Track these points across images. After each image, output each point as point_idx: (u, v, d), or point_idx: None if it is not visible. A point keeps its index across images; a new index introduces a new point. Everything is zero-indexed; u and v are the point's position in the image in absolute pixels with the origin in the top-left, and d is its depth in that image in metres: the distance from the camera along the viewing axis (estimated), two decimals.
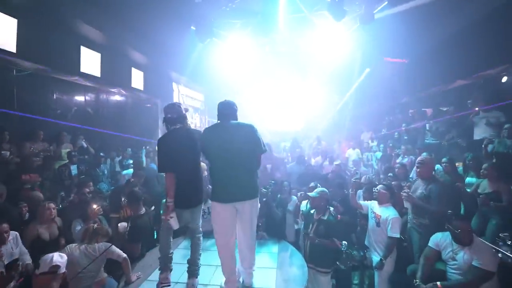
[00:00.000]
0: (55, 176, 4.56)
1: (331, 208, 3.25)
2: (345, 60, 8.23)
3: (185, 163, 2.49)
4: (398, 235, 3.08)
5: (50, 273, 1.78)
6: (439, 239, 2.83)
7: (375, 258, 3.20)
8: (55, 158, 4.83)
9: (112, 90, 7.00)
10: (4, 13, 4.26)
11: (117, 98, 7.40)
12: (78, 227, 3.27)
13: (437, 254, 2.80)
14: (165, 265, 2.58)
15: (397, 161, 5.67)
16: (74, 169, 4.83)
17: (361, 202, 3.56)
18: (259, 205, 2.55)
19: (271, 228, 3.63)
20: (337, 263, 3.16)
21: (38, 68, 4.86)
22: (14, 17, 4.42)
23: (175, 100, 10.01)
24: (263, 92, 11.32)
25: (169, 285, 2.53)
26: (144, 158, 6.29)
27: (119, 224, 3.24)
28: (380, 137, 8.08)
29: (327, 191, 3.28)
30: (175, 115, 2.60)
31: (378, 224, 3.22)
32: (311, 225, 3.22)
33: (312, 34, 6.72)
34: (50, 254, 1.98)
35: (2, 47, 4.26)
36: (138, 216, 3.30)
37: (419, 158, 3.41)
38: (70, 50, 5.64)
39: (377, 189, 3.43)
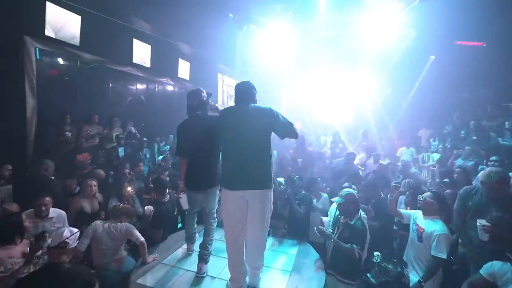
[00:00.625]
0: (107, 157, 5.13)
1: (362, 213, 2.93)
2: (402, 46, 7.27)
3: (198, 148, 2.57)
4: (444, 256, 2.57)
5: (60, 247, 1.96)
6: (497, 270, 2.27)
7: (413, 277, 2.77)
8: (107, 140, 5.41)
9: (160, 79, 7.48)
10: (70, 11, 4.82)
11: (164, 87, 7.89)
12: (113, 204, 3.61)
13: (489, 287, 2.27)
14: (189, 242, 3.00)
15: (457, 163, 4.81)
16: (121, 151, 5.35)
17: (402, 210, 3.11)
18: (271, 200, 2.38)
19: (292, 227, 3.45)
20: (368, 275, 2.82)
21: (97, 59, 5.47)
22: (78, 14, 4.97)
23: (219, 89, 10.30)
24: (309, 82, 10.81)
25: (192, 252, 2.97)
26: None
27: (145, 207, 3.46)
28: (443, 135, 7.01)
29: (354, 192, 2.93)
30: (195, 102, 2.68)
31: (420, 238, 2.76)
32: (336, 229, 2.95)
33: (362, 16, 6.04)
34: (62, 229, 2.19)
35: (69, 41, 4.86)
36: (161, 203, 3.45)
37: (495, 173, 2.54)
38: (124, 43, 6.18)
39: (422, 197, 2.92)
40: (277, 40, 7.06)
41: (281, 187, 3.54)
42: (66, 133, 4.77)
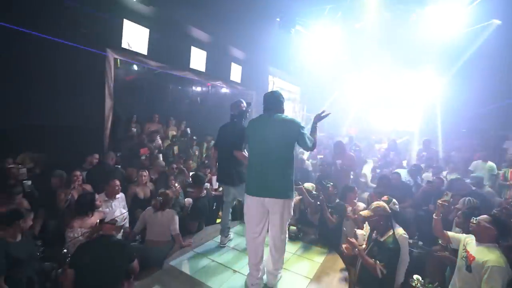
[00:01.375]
0: (164, 153, 5.74)
1: (401, 231, 2.68)
2: (472, 42, 6.26)
3: (226, 150, 3.01)
4: None
5: (110, 223, 2.37)
6: None
7: None
8: (164, 138, 6.12)
9: (214, 83, 8.05)
10: (140, 25, 5.62)
11: (217, 90, 8.48)
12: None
13: None
14: (223, 235, 3.26)
15: None
16: (175, 149, 6.00)
17: (451, 233, 2.75)
18: (291, 208, 2.46)
19: (323, 235, 3.37)
20: None
21: (160, 65, 6.26)
22: (146, 27, 5.76)
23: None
24: (363, 84, 10.13)
25: (224, 247, 3.24)
26: None
27: (186, 199, 3.83)
28: None
29: (385, 206, 2.69)
30: (236, 112, 3.15)
31: (468, 268, 2.39)
32: (368, 244, 2.79)
33: (422, 12, 5.41)
34: (114, 209, 2.63)
35: (139, 51, 5.69)
36: (198, 198, 3.76)
37: None
38: (183, 50, 6.87)
39: (476, 220, 2.50)
40: (327, 42, 6.90)
41: (314, 193, 3.49)
42: (133, 129, 5.58)
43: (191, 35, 6.86)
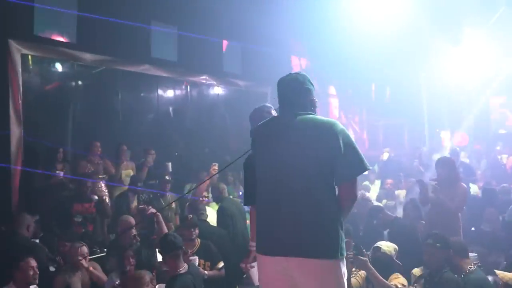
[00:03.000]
0: (116, 207, 5.76)
1: None
2: None
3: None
4: None
5: None
6: None
7: None
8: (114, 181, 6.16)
9: (195, 79, 8.17)
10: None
11: (203, 91, 8.72)
12: (115, 281, 4.01)
13: None
14: None
15: None
16: (134, 201, 5.92)
17: None
18: (343, 276, 2.38)
19: None
20: None
21: (101, 59, 6.60)
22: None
23: None
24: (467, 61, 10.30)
25: None
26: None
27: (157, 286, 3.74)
28: None
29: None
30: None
31: None
32: None
33: None
34: None
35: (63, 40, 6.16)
36: (175, 277, 3.64)
37: None
38: (138, 32, 7.03)
39: None
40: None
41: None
42: (57, 172, 5.62)
43: (149, 6, 7.10)
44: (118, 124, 7.06)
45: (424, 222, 5.05)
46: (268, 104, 3.27)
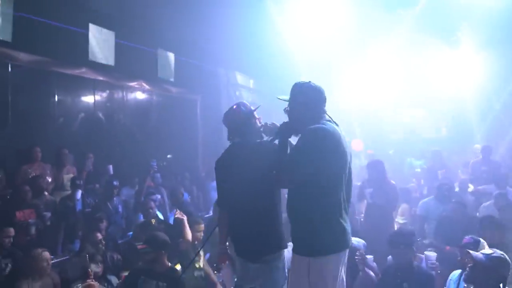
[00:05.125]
0: (57, 213, 5.46)
1: None
2: None
3: (252, 195, 2.95)
4: None
5: None
6: None
7: None
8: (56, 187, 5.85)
9: (131, 84, 8.15)
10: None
11: (137, 96, 8.59)
12: None
13: None
14: None
15: None
16: (78, 203, 5.73)
17: None
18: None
19: None
20: None
21: (34, 60, 6.28)
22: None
23: (223, 95, 10.75)
24: (373, 71, 11.05)
25: None
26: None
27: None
28: None
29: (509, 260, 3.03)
30: (232, 125, 3.16)
31: None
32: None
33: None
34: None
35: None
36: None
37: None
38: (75, 33, 6.83)
39: None
40: (323, 7, 7.76)
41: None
42: None
43: (87, 5, 6.93)
44: (54, 128, 6.70)
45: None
46: (242, 102, 3.29)
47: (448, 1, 7.79)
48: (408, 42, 9.30)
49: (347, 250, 2.65)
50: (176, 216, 4.64)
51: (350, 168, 2.69)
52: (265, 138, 3.17)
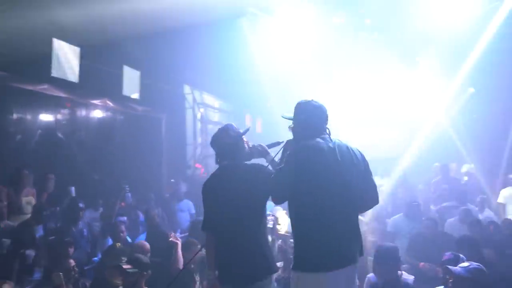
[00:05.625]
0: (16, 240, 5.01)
1: None
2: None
3: (234, 218, 2.97)
4: None
5: None
6: None
7: None
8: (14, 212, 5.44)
9: (95, 102, 7.89)
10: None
11: (101, 115, 8.35)
12: None
13: None
14: None
15: None
16: (39, 229, 5.38)
17: None
18: None
19: None
20: None
21: None
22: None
23: (188, 113, 10.68)
24: (339, 92, 11.36)
25: None
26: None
27: None
28: None
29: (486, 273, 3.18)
30: (221, 148, 3.17)
31: None
32: None
33: None
34: None
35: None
36: None
37: None
38: (37, 48, 6.49)
39: None
40: (292, 32, 7.87)
41: None
42: None
43: (51, 20, 6.64)
44: (12, 146, 6.31)
45: None
46: (230, 124, 3.30)
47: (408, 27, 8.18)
48: (369, 63, 9.73)
49: (345, 271, 2.55)
50: (170, 239, 4.54)
51: (350, 182, 2.67)
52: (254, 160, 3.18)
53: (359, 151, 2.77)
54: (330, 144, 2.68)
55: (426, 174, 9.38)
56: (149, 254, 4.45)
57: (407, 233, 5.67)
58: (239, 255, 2.90)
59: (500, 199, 7.21)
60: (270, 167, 3.00)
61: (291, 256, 3.28)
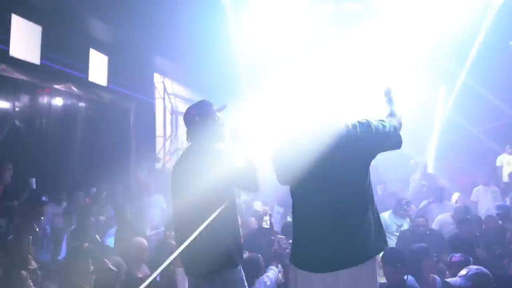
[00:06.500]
0: None
1: None
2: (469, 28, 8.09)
3: (194, 206, 2.71)
4: None
5: None
6: None
7: None
8: None
9: (58, 87, 7.40)
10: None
11: (66, 101, 7.91)
12: None
13: None
14: None
15: None
16: None
17: None
18: None
19: None
20: None
21: None
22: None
23: (158, 103, 10.29)
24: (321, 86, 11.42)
25: None
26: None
27: None
28: None
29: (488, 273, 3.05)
30: (185, 123, 2.97)
31: None
32: None
33: None
34: None
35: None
36: None
37: None
38: None
39: None
40: (273, 18, 7.83)
41: None
42: None
43: None
44: None
45: None
46: (206, 101, 3.04)
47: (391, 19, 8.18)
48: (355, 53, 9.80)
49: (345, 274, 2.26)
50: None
51: (342, 173, 2.31)
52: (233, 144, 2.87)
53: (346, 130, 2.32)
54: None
55: (401, 170, 9.40)
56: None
57: (394, 231, 5.61)
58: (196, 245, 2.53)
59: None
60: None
61: (288, 262, 3.07)
